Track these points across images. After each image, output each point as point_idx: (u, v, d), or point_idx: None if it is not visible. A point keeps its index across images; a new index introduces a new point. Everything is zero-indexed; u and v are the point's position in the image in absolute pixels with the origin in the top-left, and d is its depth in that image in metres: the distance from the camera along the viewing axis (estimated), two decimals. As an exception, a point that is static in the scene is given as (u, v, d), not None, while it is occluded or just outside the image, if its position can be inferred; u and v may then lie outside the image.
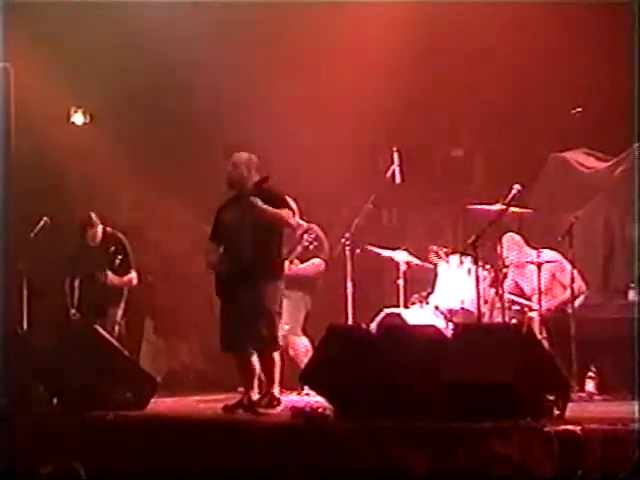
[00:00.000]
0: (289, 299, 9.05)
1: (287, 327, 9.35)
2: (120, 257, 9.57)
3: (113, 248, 9.55)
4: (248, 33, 11.09)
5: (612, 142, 10.16)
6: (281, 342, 8.23)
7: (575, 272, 9.23)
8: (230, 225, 8.21)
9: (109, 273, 9.55)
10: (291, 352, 9.46)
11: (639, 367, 8.19)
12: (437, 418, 6.53)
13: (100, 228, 9.69)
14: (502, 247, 9.40)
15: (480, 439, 6.10)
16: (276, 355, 8.17)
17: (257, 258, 8.03)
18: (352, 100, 10.62)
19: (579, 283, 9.33)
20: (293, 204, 9.06)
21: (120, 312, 9.66)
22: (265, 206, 8.00)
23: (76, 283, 9.72)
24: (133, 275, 9.72)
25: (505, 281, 9.50)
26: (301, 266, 9.43)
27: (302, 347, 9.51)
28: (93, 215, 9.71)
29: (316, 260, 9.57)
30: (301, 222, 9.30)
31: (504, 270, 9.39)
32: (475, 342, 6.93)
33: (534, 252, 9.39)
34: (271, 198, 8.09)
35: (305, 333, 9.59)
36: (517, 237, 9.66)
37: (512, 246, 9.58)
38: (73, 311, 9.61)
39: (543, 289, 9.31)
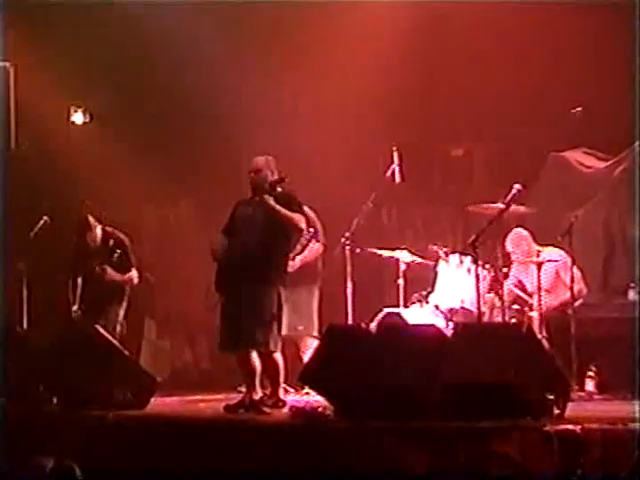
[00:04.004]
0: (297, 298, 9.07)
1: (301, 328, 9.35)
2: (119, 254, 9.50)
3: (112, 244, 9.50)
4: (248, 33, 11.08)
5: (612, 141, 10.16)
6: (278, 345, 8.14)
7: (578, 273, 9.27)
8: (242, 221, 8.24)
9: (108, 268, 9.47)
10: (302, 352, 9.44)
11: (639, 367, 8.20)
12: (437, 418, 6.53)
13: (99, 230, 9.64)
14: (507, 243, 9.45)
15: (480, 439, 6.11)
16: (279, 358, 8.16)
17: (261, 257, 8.04)
18: (352, 99, 10.62)
19: (580, 286, 9.36)
20: (312, 214, 9.13)
21: (122, 312, 9.60)
22: (277, 207, 8.01)
23: (79, 281, 9.69)
24: (134, 274, 9.65)
25: (507, 278, 9.54)
26: (299, 257, 9.39)
27: (313, 346, 9.44)
28: (90, 218, 9.64)
29: (314, 245, 9.54)
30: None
31: (504, 270, 9.41)
32: (475, 342, 6.93)
33: (542, 248, 9.43)
34: (285, 200, 8.10)
35: (320, 330, 9.39)
36: (524, 232, 9.66)
37: (520, 242, 9.59)
38: (75, 308, 9.57)
39: (548, 287, 9.37)
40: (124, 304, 9.63)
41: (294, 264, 9.14)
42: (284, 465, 6.58)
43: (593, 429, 6.18)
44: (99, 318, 9.32)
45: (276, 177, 8.23)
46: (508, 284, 9.55)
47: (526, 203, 9.33)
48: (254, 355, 8.04)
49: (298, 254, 9.29)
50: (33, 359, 8.63)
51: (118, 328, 9.43)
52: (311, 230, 9.35)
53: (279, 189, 8.20)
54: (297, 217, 8.11)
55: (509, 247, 9.55)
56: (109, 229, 9.70)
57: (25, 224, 10.06)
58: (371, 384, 6.99)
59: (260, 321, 7.98)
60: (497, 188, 9.35)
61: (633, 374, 8.15)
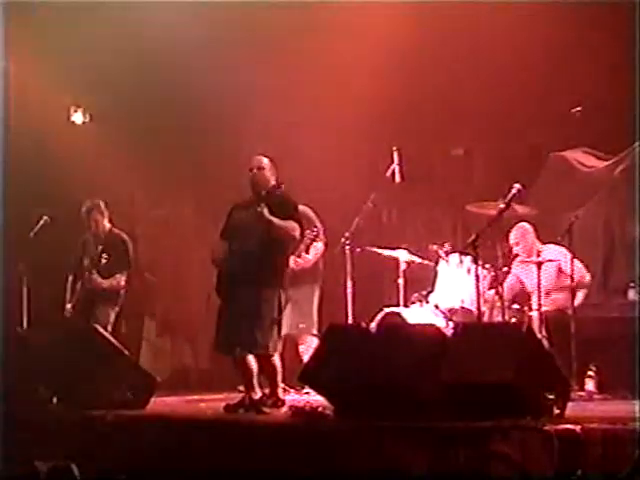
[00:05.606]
0: (299, 296, 9.10)
1: (302, 326, 9.36)
2: (112, 257, 9.50)
3: (110, 248, 9.52)
4: (249, 34, 11.08)
5: (612, 141, 10.16)
6: (277, 348, 8.14)
7: (580, 265, 9.29)
8: (240, 225, 8.21)
9: (95, 276, 9.51)
10: (301, 349, 9.45)
11: (639, 367, 8.20)
12: (437, 418, 6.53)
13: (107, 221, 9.69)
14: (511, 236, 9.49)
15: (480, 439, 6.09)
16: (276, 359, 8.15)
17: (261, 262, 8.01)
18: (352, 99, 10.61)
19: (582, 273, 9.38)
20: (312, 213, 9.10)
21: (113, 313, 9.61)
22: (271, 217, 7.96)
23: (75, 280, 9.72)
24: (120, 277, 9.65)
25: (507, 277, 9.54)
26: (299, 260, 9.39)
27: (313, 345, 9.44)
28: (102, 203, 9.71)
29: (317, 245, 9.54)
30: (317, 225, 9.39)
31: (505, 269, 9.42)
32: (475, 341, 6.92)
33: (543, 246, 9.44)
34: (282, 206, 8.06)
35: (320, 329, 9.42)
36: (529, 227, 9.67)
37: (525, 235, 9.60)
38: (68, 306, 9.62)
39: (549, 286, 9.39)
40: (116, 306, 9.64)
41: (298, 262, 9.19)
42: (284, 465, 6.58)
43: (593, 429, 6.17)
44: (89, 318, 9.33)
45: (275, 180, 8.22)
46: (508, 282, 9.56)
47: (526, 203, 9.34)
48: (250, 357, 8.03)
49: (301, 254, 9.36)
50: (33, 359, 8.64)
51: (109, 329, 9.44)
52: (315, 229, 9.36)
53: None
54: (290, 226, 8.05)
55: (512, 240, 9.56)
56: (116, 230, 9.73)
57: (25, 224, 10.07)
58: (371, 384, 6.99)
59: (259, 324, 7.96)
60: (497, 188, 9.35)
61: (633, 374, 8.15)
